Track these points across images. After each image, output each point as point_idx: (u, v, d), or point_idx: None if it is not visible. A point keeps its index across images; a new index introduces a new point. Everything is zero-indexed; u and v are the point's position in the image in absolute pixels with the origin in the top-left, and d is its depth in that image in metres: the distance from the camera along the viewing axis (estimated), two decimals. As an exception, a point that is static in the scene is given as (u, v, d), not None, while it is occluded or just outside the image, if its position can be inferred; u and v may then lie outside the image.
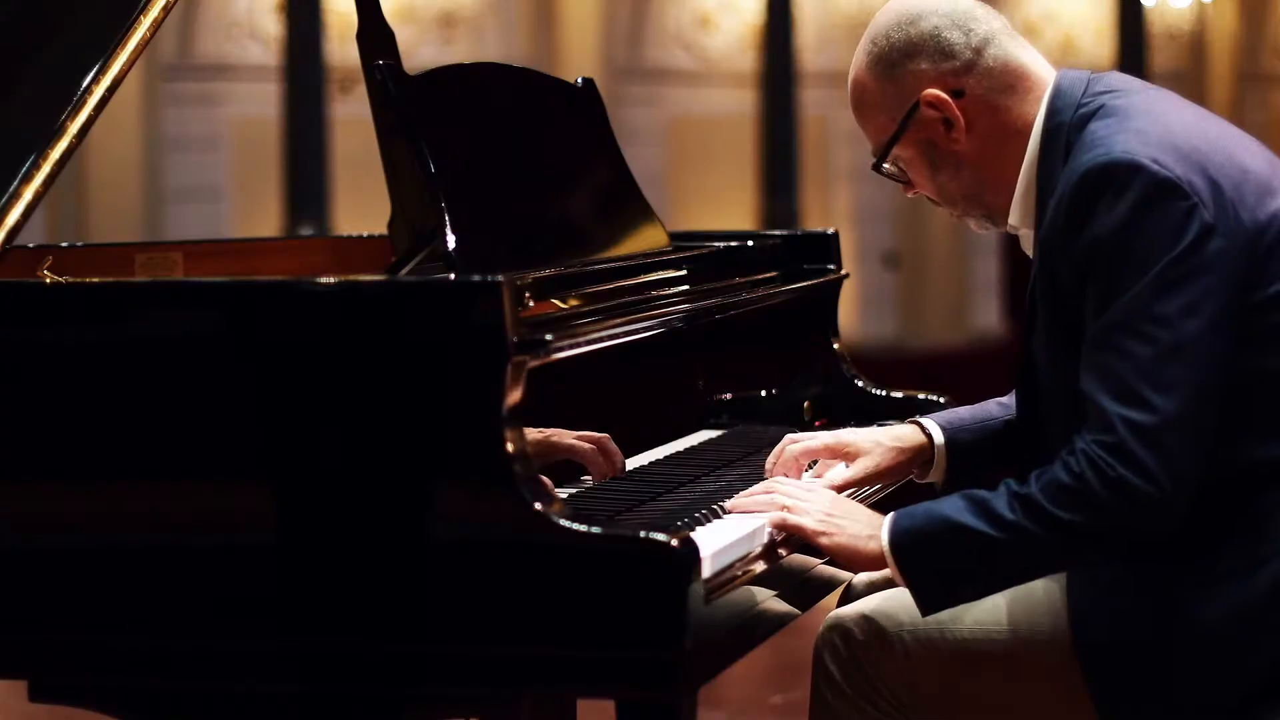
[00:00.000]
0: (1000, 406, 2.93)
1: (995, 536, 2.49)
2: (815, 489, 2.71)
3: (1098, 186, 2.47)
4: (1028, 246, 2.68)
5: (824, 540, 2.59)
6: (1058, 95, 2.63)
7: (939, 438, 2.87)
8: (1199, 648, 2.51)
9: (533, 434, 2.73)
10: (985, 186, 2.68)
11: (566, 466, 2.83)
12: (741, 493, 2.70)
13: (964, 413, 2.93)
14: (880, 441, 2.83)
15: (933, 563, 2.54)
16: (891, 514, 2.57)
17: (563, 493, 2.66)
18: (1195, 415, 2.45)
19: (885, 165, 2.74)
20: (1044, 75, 2.67)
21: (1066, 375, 2.53)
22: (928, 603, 2.56)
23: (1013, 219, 2.68)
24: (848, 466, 2.82)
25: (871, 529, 2.58)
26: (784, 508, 2.61)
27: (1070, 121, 2.59)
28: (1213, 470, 2.50)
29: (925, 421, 2.88)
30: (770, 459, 2.85)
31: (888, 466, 2.83)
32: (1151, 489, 2.43)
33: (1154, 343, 2.44)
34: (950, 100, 2.64)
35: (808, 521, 2.60)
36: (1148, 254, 2.45)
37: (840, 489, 2.77)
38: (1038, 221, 2.60)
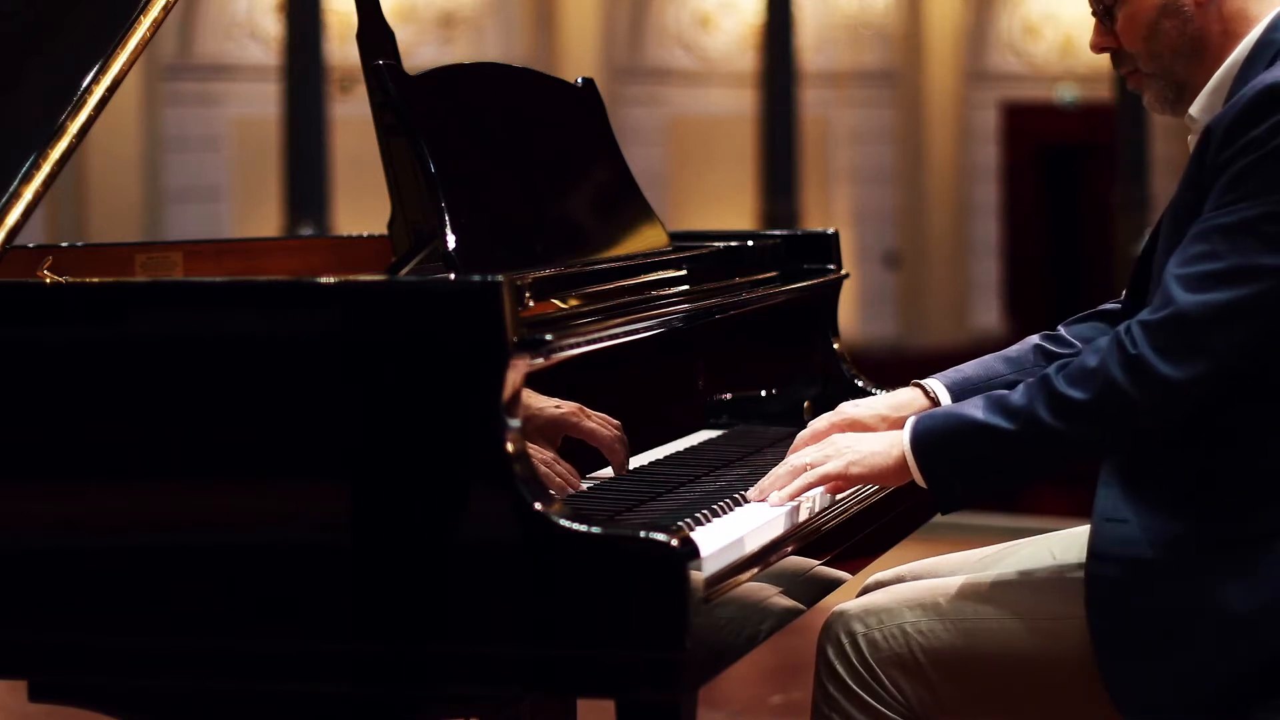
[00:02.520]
0: (1006, 362, 2.93)
1: (1006, 428, 2.57)
2: (828, 441, 2.75)
3: (1271, 103, 2.51)
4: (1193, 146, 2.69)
5: (854, 470, 2.67)
6: None
7: (944, 399, 2.89)
8: (1216, 632, 2.52)
9: (552, 407, 2.74)
10: (1199, 52, 2.68)
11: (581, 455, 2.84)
12: (758, 483, 2.72)
13: (969, 370, 2.93)
14: (883, 415, 2.85)
15: (949, 460, 2.62)
16: (912, 417, 2.66)
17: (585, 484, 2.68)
18: (1243, 330, 2.50)
19: None
20: None
21: None
22: (946, 501, 2.65)
23: (1195, 109, 2.69)
24: None
25: (891, 441, 2.66)
26: (805, 466, 2.67)
27: None
28: (1243, 431, 2.55)
29: (929, 383, 2.90)
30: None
31: None
32: (1169, 370, 2.49)
33: (1245, 255, 2.49)
34: None
35: (833, 465, 2.67)
36: None
37: None
38: None
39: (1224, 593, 2.53)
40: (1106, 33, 2.74)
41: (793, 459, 2.73)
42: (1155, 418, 2.54)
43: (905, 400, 2.88)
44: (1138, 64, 2.73)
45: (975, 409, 2.61)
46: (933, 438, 2.63)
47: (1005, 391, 2.61)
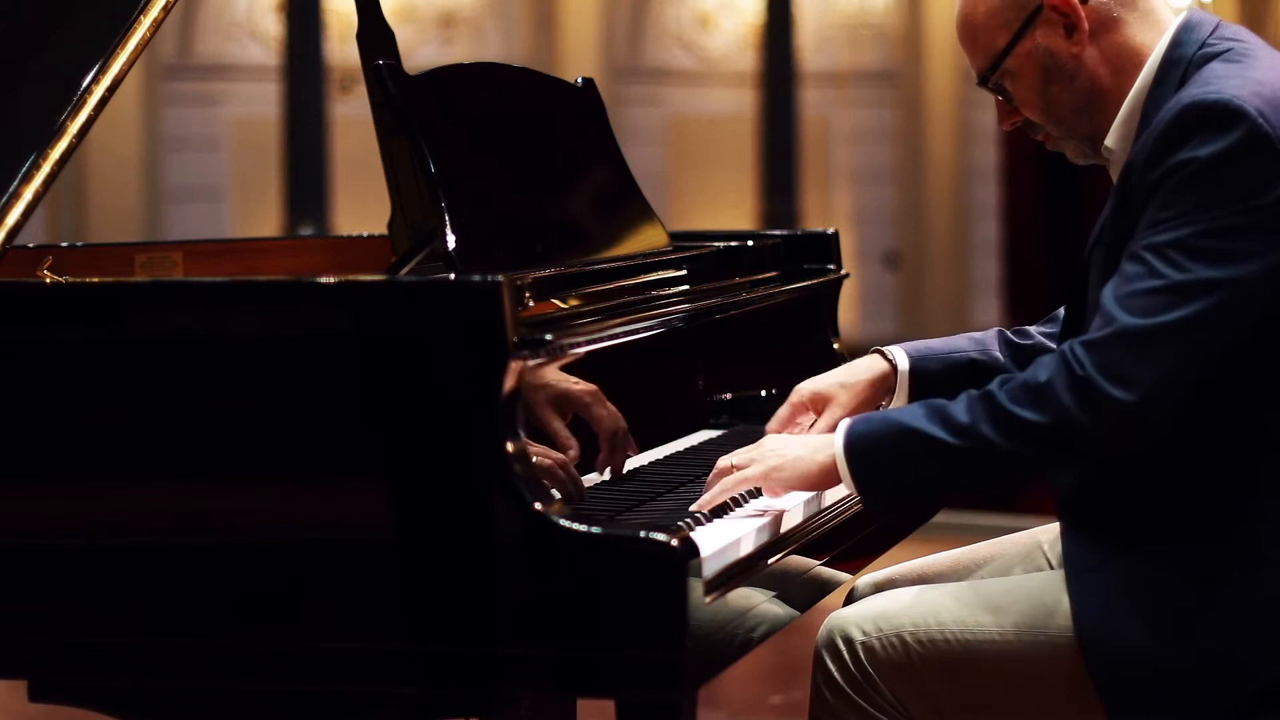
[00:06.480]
0: (971, 340, 2.92)
1: (947, 440, 2.50)
2: (758, 444, 2.70)
3: (1198, 122, 2.46)
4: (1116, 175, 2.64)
5: (775, 475, 2.60)
6: (1185, 28, 2.61)
7: (903, 364, 2.86)
8: (1207, 666, 2.51)
9: (570, 382, 2.73)
10: (1096, 102, 2.64)
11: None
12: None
13: (934, 343, 2.92)
14: (843, 383, 2.83)
15: (882, 465, 2.55)
16: (847, 419, 2.59)
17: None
18: (1192, 347, 2.44)
19: (991, 80, 2.68)
20: (1165, 10, 2.65)
21: None
22: (873, 502, 2.59)
23: (1110, 141, 2.65)
24: (819, 418, 2.82)
25: (820, 444, 2.60)
26: (729, 469, 2.61)
27: (1192, 57, 2.58)
28: (1220, 457, 2.51)
29: (890, 349, 2.88)
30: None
31: (857, 404, 2.82)
32: (1120, 394, 2.43)
33: (1183, 271, 2.43)
34: (1075, 1, 2.61)
35: (753, 470, 2.61)
36: (1218, 197, 2.44)
37: None
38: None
39: (1212, 634, 2.50)
40: (1010, 110, 2.71)
41: (721, 460, 2.66)
42: (1105, 444, 2.48)
43: (864, 366, 2.87)
44: (1047, 129, 2.70)
45: (914, 417, 2.53)
46: (867, 442, 2.56)
47: (945, 401, 2.53)
